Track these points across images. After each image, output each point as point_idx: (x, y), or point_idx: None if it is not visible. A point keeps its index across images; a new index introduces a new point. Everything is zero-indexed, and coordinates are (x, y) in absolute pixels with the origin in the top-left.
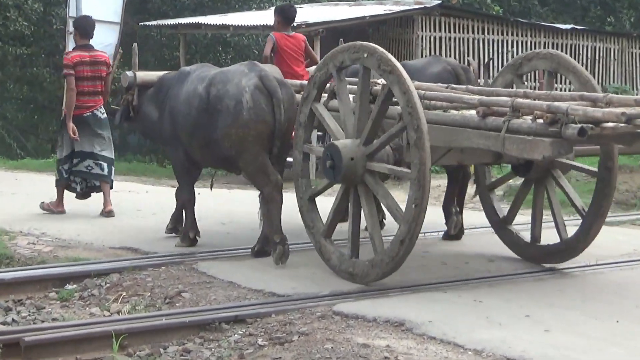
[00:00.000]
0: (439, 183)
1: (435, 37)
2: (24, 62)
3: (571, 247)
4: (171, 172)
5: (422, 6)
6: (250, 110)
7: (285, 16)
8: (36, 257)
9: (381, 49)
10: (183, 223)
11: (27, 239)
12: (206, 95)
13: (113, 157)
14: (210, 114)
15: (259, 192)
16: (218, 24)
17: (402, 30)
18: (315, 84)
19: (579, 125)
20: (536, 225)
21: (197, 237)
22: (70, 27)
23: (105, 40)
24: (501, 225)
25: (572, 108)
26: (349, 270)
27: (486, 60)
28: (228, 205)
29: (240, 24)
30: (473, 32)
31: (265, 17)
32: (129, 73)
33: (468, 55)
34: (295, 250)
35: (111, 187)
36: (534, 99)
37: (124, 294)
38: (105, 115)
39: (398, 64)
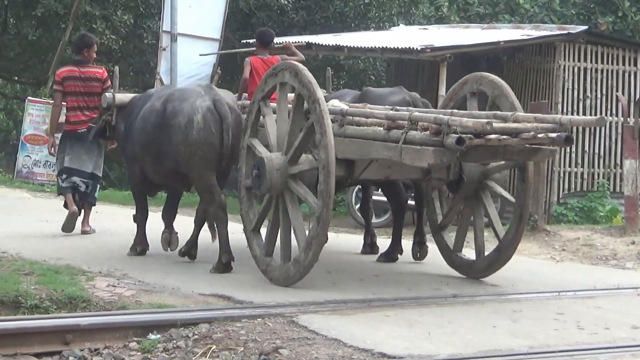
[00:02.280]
0: (577, 235)
1: (579, 68)
2: (110, 80)
3: (485, 265)
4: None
5: (565, 32)
6: (200, 131)
7: (261, 40)
8: (116, 302)
9: (301, 69)
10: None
11: (106, 280)
12: (163, 110)
13: (100, 175)
14: (164, 128)
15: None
16: (331, 44)
17: (542, 59)
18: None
19: (457, 135)
20: (459, 236)
21: (147, 250)
22: (164, 43)
23: (203, 59)
24: (435, 230)
25: (451, 119)
26: (280, 275)
27: (638, 96)
28: (334, 252)
29: (356, 46)
30: (624, 64)
31: (385, 38)
32: (108, 95)
33: (617, 90)
34: (410, 306)
35: (93, 205)
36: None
37: (214, 347)
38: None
39: (312, 79)
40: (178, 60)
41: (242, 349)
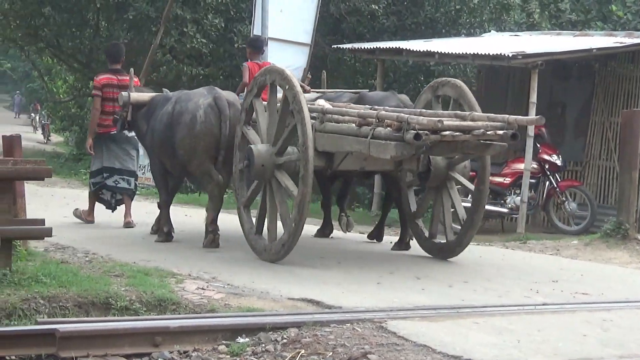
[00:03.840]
0: None
1: None
2: (199, 83)
3: (451, 247)
4: (360, 217)
5: None
6: (202, 124)
7: (254, 46)
8: (205, 305)
9: (285, 72)
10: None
11: (196, 283)
12: (172, 111)
13: (136, 170)
14: (173, 126)
15: None
16: (421, 50)
17: (635, 67)
18: (251, 95)
19: (415, 131)
20: (433, 224)
21: (172, 233)
22: None
23: (293, 63)
24: (411, 219)
25: (410, 117)
26: (268, 253)
27: None
28: (424, 258)
29: (446, 52)
30: None
31: (476, 44)
32: (124, 93)
33: None
34: (499, 313)
35: (132, 199)
36: (426, 117)
37: (303, 351)
38: (132, 133)
39: (295, 82)
40: None
41: (331, 353)
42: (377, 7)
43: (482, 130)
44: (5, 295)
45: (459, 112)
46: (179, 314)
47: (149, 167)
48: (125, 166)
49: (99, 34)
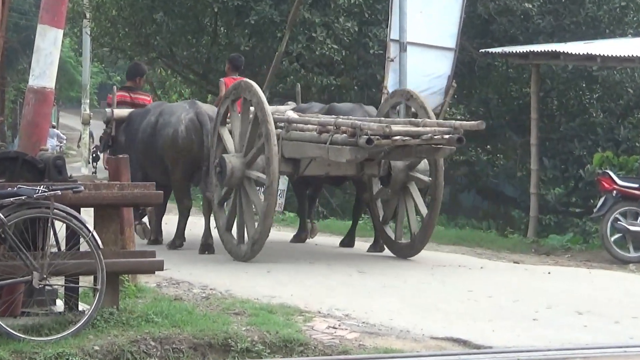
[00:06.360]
0: None
1: None
2: (331, 95)
3: (415, 245)
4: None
5: None
6: (183, 139)
7: (233, 64)
8: (337, 346)
9: (253, 85)
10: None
11: (326, 321)
12: (155, 122)
13: None
14: (156, 137)
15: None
16: (582, 53)
17: None
18: (227, 100)
19: (367, 136)
20: (397, 226)
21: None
22: (392, 53)
23: (436, 70)
24: (380, 225)
25: (363, 124)
26: (236, 253)
27: None
28: (587, 290)
29: (610, 55)
30: None
31: None
32: (107, 110)
33: None
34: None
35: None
36: (377, 123)
37: None
38: None
39: (262, 96)
40: (408, 72)
41: None
42: (531, 6)
43: (429, 134)
44: (112, 337)
45: (413, 119)
46: (307, 356)
47: None
48: None
49: (217, 42)
